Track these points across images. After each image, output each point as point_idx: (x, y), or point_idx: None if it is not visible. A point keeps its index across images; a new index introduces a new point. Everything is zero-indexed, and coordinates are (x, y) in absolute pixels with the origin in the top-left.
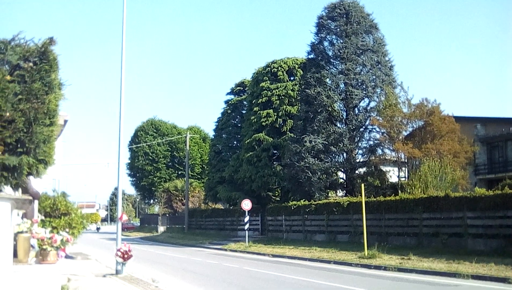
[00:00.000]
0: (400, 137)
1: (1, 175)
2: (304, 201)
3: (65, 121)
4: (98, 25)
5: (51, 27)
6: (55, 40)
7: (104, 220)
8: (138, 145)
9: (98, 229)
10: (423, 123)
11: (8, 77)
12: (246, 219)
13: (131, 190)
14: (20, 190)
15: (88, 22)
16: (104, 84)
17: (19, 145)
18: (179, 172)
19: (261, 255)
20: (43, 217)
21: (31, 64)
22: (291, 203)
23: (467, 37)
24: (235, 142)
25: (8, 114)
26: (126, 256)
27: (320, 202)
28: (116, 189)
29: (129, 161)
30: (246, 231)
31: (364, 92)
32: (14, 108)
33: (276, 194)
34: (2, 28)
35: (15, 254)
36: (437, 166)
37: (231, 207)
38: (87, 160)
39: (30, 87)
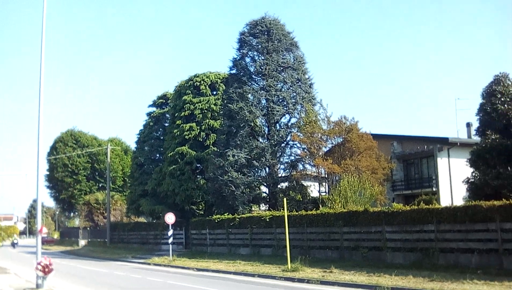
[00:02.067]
0: (320, 153)
1: None
2: (228, 214)
3: None
4: (18, 27)
5: None
6: None
7: (22, 233)
8: (57, 156)
9: (14, 244)
10: (342, 139)
11: None
12: (170, 232)
13: (51, 203)
14: None
15: (7, 24)
16: (21, 90)
17: None
18: (100, 185)
19: (186, 269)
20: None
21: None
22: (215, 216)
23: (382, 56)
24: (157, 155)
25: None
26: (47, 270)
27: (243, 216)
28: (35, 201)
29: (48, 173)
30: (170, 245)
31: (285, 108)
32: None
33: (200, 208)
34: None
35: None
36: (356, 181)
37: (154, 221)
38: (3, 170)
39: None
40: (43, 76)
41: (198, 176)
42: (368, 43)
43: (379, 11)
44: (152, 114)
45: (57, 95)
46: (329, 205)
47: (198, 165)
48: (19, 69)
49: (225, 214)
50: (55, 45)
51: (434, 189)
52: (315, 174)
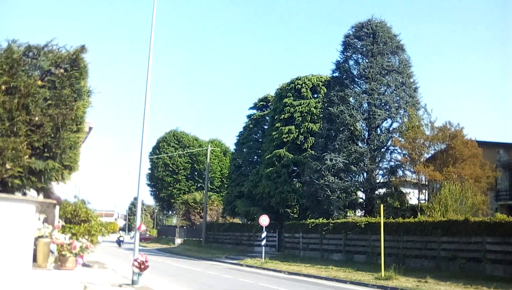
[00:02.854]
0: (422, 159)
1: (28, 178)
2: (322, 219)
3: (90, 128)
4: (126, 36)
5: (82, 35)
6: (86, 48)
7: (122, 229)
8: (159, 155)
9: (120, 242)
10: (445, 146)
11: (39, 82)
12: (263, 235)
13: (150, 201)
14: (42, 194)
15: (117, 32)
16: (128, 94)
17: (46, 150)
18: (199, 185)
19: (277, 272)
20: (63, 223)
21: (62, 70)
22: (309, 220)
23: (492, 62)
24: (255, 157)
25: (37, 118)
26: (142, 266)
27: (338, 221)
28: (135, 198)
29: (149, 171)
30: (263, 247)
31: (387, 112)
32: (43, 113)
33: (294, 211)
34: (35, 34)
35: (34, 258)
36: (457, 190)
37: (248, 222)
38: (107, 169)
39: (60, 93)
40: (149, 78)
41: (294, 179)
42: (475, 46)
43: (490, 12)
44: (252, 117)
45: (162, 96)
46: (427, 214)
47: (295, 168)
48: (126, 70)
49: (319, 219)
50: (160, 47)
51: None
52: (415, 181)
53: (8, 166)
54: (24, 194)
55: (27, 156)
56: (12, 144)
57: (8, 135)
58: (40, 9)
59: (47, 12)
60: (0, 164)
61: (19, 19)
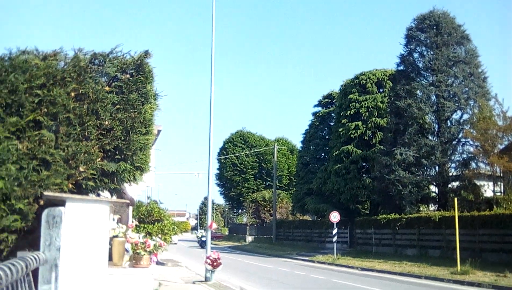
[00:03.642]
0: (495, 151)
1: (101, 180)
2: (394, 214)
3: (159, 131)
4: (191, 39)
5: (145, 41)
6: (150, 53)
7: (193, 228)
8: (227, 156)
9: (203, 242)
10: None
11: (107, 88)
12: (334, 231)
13: (220, 200)
14: (115, 195)
15: (181, 37)
16: (194, 97)
17: (117, 152)
18: (267, 183)
19: (350, 268)
20: (137, 223)
21: (128, 75)
22: (380, 216)
23: None
24: (322, 154)
25: (107, 122)
26: (215, 264)
27: (411, 215)
28: (205, 198)
29: (218, 172)
30: (334, 244)
31: (457, 104)
32: (113, 117)
33: (365, 207)
34: (101, 41)
35: (110, 257)
36: None
37: (319, 219)
38: (177, 170)
39: (127, 98)
40: (213, 80)
41: (363, 175)
42: None
43: None
44: (317, 114)
45: (228, 97)
46: (504, 206)
47: (364, 164)
48: (192, 73)
49: (392, 214)
50: (223, 47)
51: None
52: (490, 173)
53: (81, 168)
54: (98, 195)
55: (99, 159)
56: (84, 148)
57: (80, 139)
58: (103, 19)
59: (109, 21)
60: (74, 167)
61: (84, 29)
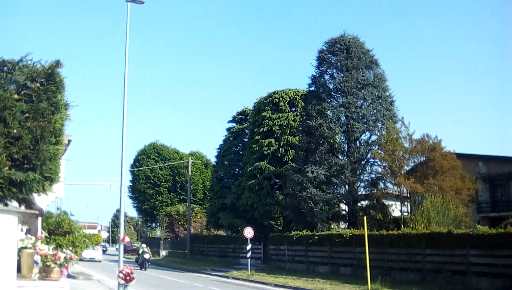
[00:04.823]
0: (402, 172)
1: (9, 189)
2: (306, 231)
3: (69, 141)
4: (103, 47)
5: (58, 47)
6: (61, 63)
7: (105, 241)
8: (140, 168)
9: (145, 261)
10: (424, 158)
11: (16, 96)
12: (248, 247)
13: (133, 213)
14: (24, 205)
15: (93, 43)
16: (108, 107)
17: (25, 162)
18: (181, 197)
19: (264, 284)
20: (46, 234)
21: (38, 84)
22: (293, 232)
23: (469, 73)
24: (237, 169)
25: (15, 130)
26: (128, 278)
27: (322, 233)
28: (118, 210)
29: (131, 184)
30: (248, 259)
31: (365, 125)
32: (21, 126)
33: (279, 223)
34: (10, 48)
35: (18, 269)
36: (439, 202)
37: (233, 234)
38: (89, 181)
39: (37, 106)
40: (126, 91)
41: (276, 192)
42: (452, 57)
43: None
44: (231, 130)
45: (141, 109)
46: (411, 226)
47: (277, 180)
48: (105, 83)
49: (304, 231)
50: (138, 58)
51: None
52: (397, 193)
53: None
54: (6, 205)
55: (6, 168)
56: None
57: None
58: (14, 25)
59: (21, 28)
60: None
61: None
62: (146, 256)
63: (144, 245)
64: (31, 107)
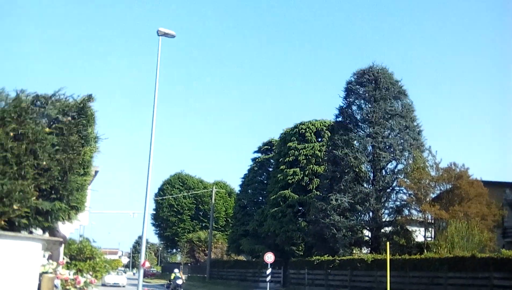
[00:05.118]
0: (427, 199)
1: (35, 218)
2: (327, 256)
3: (96, 172)
4: (132, 82)
5: (90, 84)
6: (93, 97)
7: (126, 266)
8: (164, 197)
9: (178, 286)
10: (451, 186)
11: (47, 129)
12: (268, 271)
13: (155, 239)
14: (48, 233)
15: (123, 80)
16: (133, 138)
17: (53, 192)
18: (203, 224)
19: None
20: (68, 260)
21: (69, 118)
22: (314, 257)
23: (495, 103)
24: (260, 198)
25: (44, 162)
26: None
27: (344, 258)
28: (140, 237)
29: (154, 212)
30: (268, 283)
31: (392, 155)
32: (51, 158)
33: (300, 249)
34: (44, 83)
35: None
36: (464, 227)
37: (253, 259)
38: (113, 209)
39: (67, 139)
40: (155, 122)
41: (299, 219)
42: (478, 87)
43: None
44: (257, 160)
45: (168, 140)
46: (434, 250)
47: (300, 208)
48: (134, 115)
49: (325, 255)
50: (166, 90)
51: None
52: (421, 219)
53: (15, 206)
54: (31, 232)
55: (34, 197)
56: (19, 187)
57: (16, 178)
58: (48, 60)
59: (55, 63)
60: (7, 205)
61: (28, 70)
62: (179, 281)
63: (176, 270)
64: (62, 140)
